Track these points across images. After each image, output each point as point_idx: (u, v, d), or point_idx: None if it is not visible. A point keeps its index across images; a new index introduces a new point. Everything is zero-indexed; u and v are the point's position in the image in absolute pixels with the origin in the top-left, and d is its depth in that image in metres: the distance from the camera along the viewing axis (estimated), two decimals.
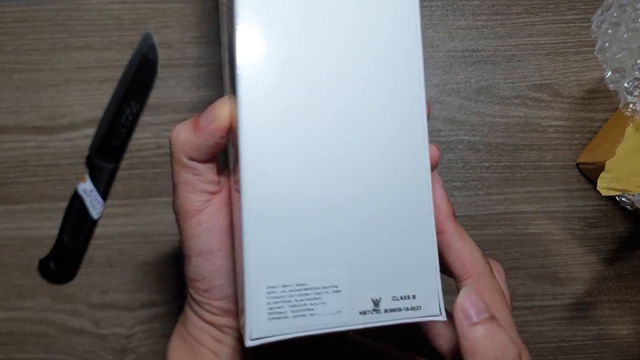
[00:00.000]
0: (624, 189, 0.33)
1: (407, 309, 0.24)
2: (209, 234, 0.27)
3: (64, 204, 0.45)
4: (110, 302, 0.45)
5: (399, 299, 0.24)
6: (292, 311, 0.22)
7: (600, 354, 0.46)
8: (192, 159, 0.27)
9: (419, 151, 0.24)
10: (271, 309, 0.22)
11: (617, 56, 0.32)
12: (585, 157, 0.45)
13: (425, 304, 0.24)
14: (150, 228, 0.46)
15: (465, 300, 0.24)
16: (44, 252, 0.45)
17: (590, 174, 0.46)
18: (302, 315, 0.22)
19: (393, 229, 0.24)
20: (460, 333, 0.24)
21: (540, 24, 0.47)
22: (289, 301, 0.22)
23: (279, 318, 0.22)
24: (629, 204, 0.34)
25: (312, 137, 0.23)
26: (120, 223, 0.46)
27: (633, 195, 0.34)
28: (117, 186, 0.46)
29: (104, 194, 0.45)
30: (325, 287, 0.23)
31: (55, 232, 0.45)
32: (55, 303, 0.45)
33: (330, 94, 0.24)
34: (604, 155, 0.42)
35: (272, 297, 0.22)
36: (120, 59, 0.46)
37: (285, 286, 0.22)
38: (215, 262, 0.27)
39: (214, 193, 0.28)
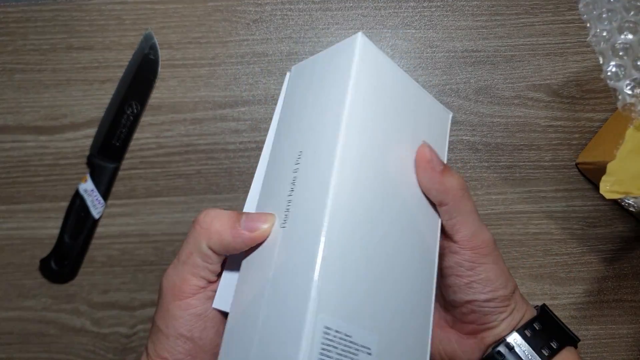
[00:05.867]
0: (627, 192, 0.33)
1: None
2: (195, 320, 0.28)
3: (65, 204, 0.45)
4: (111, 302, 0.45)
5: None
6: (336, 358, 0.23)
7: (599, 354, 0.46)
8: (212, 249, 0.28)
9: (429, 283, 0.30)
10: (323, 350, 0.22)
11: (615, 48, 0.32)
12: (585, 157, 0.45)
13: None
14: (151, 228, 0.46)
15: (431, 154, 0.30)
16: (45, 251, 0.45)
17: (589, 174, 0.46)
18: None
19: (408, 322, 0.27)
20: (434, 180, 0.30)
21: (540, 25, 0.47)
22: (337, 348, 0.23)
23: (326, 358, 0.22)
24: (632, 207, 0.34)
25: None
26: (121, 223, 0.46)
27: (636, 197, 0.34)
28: (118, 186, 0.46)
29: (105, 193, 0.45)
30: (363, 347, 0.24)
31: (56, 231, 0.45)
32: (56, 303, 0.45)
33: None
34: (603, 155, 0.42)
35: (326, 339, 0.23)
36: (121, 59, 0.46)
37: (337, 332, 0.23)
38: (191, 348, 0.28)
39: (212, 282, 0.29)
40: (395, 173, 0.29)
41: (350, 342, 0.24)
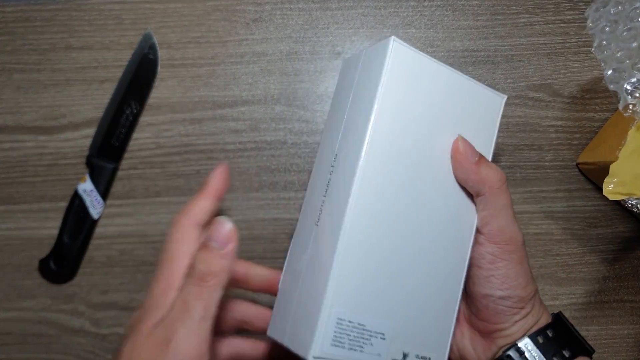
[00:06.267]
0: (630, 193, 0.33)
1: None
2: None
3: (64, 204, 0.45)
4: (110, 302, 0.45)
5: (420, 357, 0.30)
6: (349, 344, 0.28)
7: (600, 354, 0.45)
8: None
9: (458, 269, 0.32)
10: (336, 337, 0.27)
11: (616, 55, 0.32)
12: (585, 157, 0.45)
13: None
14: (150, 228, 0.46)
15: (465, 147, 0.32)
16: (44, 252, 0.45)
17: (590, 173, 0.46)
18: (354, 350, 0.28)
19: (430, 306, 0.30)
20: (470, 171, 0.31)
21: (540, 24, 0.47)
22: (349, 335, 0.28)
23: (338, 346, 0.27)
24: (635, 207, 0.34)
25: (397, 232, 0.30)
26: (120, 223, 0.46)
27: (639, 198, 0.34)
28: (117, 186, 0.46)
29: (104, 194, 0.45)
30: (377, 333, 0.28)
31: (55, 232, 0.45)
32: (55, 303, 0.45)
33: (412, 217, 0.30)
34: (603, 155, 0.42)
35: (339, 328, 0.27)
36: (120, 58, 0.46)
37: (350, 322, 0.28)
38: None
39: None
40: (432, 168, 0.31)
41: (364, 329, 0.28)
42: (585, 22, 0.35)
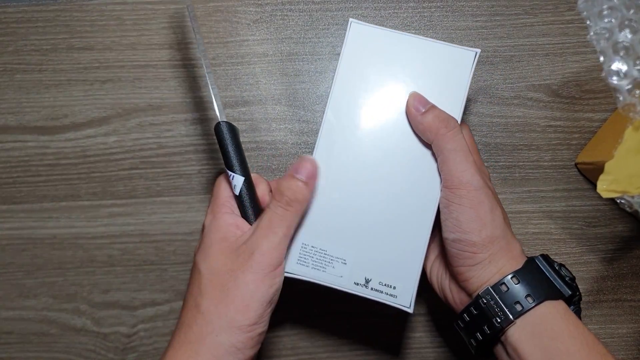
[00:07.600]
0: (624, 191, 0.33)
1: (387, 294, 0.35)
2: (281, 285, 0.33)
3: (65, 204, 0.45)
4: (112, 302, 0.45)
5: (384, 284, 0.35)
6: (312, 264, 0.35)
7: None
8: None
9: (428, 212, 0.35)
10: (300, 257, 0.35)
11: (616, 45, 0.32)
12: (584, 157, 0.45)
13: (400, 296, 0.35)
14: (151, 227, 0.46)
15: (413, 100, 0.35)
16: (45, 251, 0.45)
17: (588, 173, 0.46)
18: (317, 269, 0.35)
19: (398, 244, 0.35)
20: (417, 121, 0.35)
21: (539, 25, 0.47)
22: (312, 257, 0.35)
23: (302, 264, 0.35)
24: (628, 206, 0.34)
25: (363, 174, 0.36)
26: (122, 223, 0.46)
27: (632, 197, 0.34)
28: (119, 186, 0.46)
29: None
30: (338, 258, 0.35)
31: (56, 231, 0.45)
32: (57, 302, 0.45)
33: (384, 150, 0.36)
34: (602, 155, 0.42)
35: (303, 251, 0.35)
36: (122, 59, 0.47)
37: (313, 247, 0.35)
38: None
39: None
40: (398, 123, 0.36)
41: (325, 254, 0.35)
42: (584, 23, 0.36)
